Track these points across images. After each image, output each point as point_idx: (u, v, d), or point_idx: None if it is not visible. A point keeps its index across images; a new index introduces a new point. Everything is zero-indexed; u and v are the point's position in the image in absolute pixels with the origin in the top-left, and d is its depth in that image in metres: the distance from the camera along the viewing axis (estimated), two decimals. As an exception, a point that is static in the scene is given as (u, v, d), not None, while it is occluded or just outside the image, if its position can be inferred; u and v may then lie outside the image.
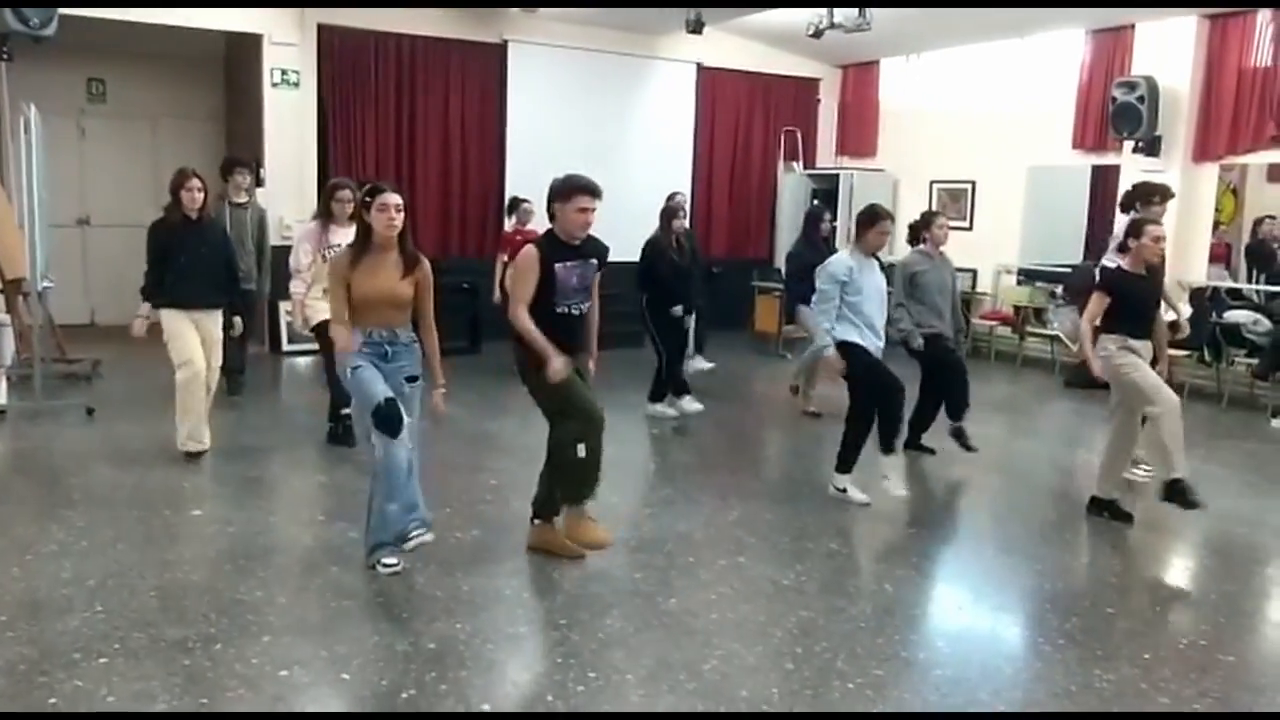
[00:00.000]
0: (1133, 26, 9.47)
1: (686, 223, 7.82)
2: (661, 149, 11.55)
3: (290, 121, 9.66)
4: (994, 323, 10.65)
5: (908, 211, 11.77)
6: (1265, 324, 8.15)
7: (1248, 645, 4.06)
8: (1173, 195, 6.49)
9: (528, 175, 10.70)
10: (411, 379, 4.37)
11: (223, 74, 11.25)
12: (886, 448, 5.56)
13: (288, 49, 9.58)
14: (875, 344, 5.54)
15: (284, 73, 9.60)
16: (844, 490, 5.57)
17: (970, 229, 11.11)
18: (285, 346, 9.70)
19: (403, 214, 4.31)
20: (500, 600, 4.13)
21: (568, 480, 4.39)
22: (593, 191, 4.38)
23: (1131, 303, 5.16)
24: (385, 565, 4.24)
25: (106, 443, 6.28)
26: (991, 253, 10.81)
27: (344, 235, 6.07)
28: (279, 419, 7.25)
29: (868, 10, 8.67)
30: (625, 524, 4.90)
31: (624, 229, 10.24)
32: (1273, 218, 9.42)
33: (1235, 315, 8.43)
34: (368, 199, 4.31)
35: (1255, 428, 7.63)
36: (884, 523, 5.45)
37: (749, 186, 12.30)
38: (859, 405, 5.59)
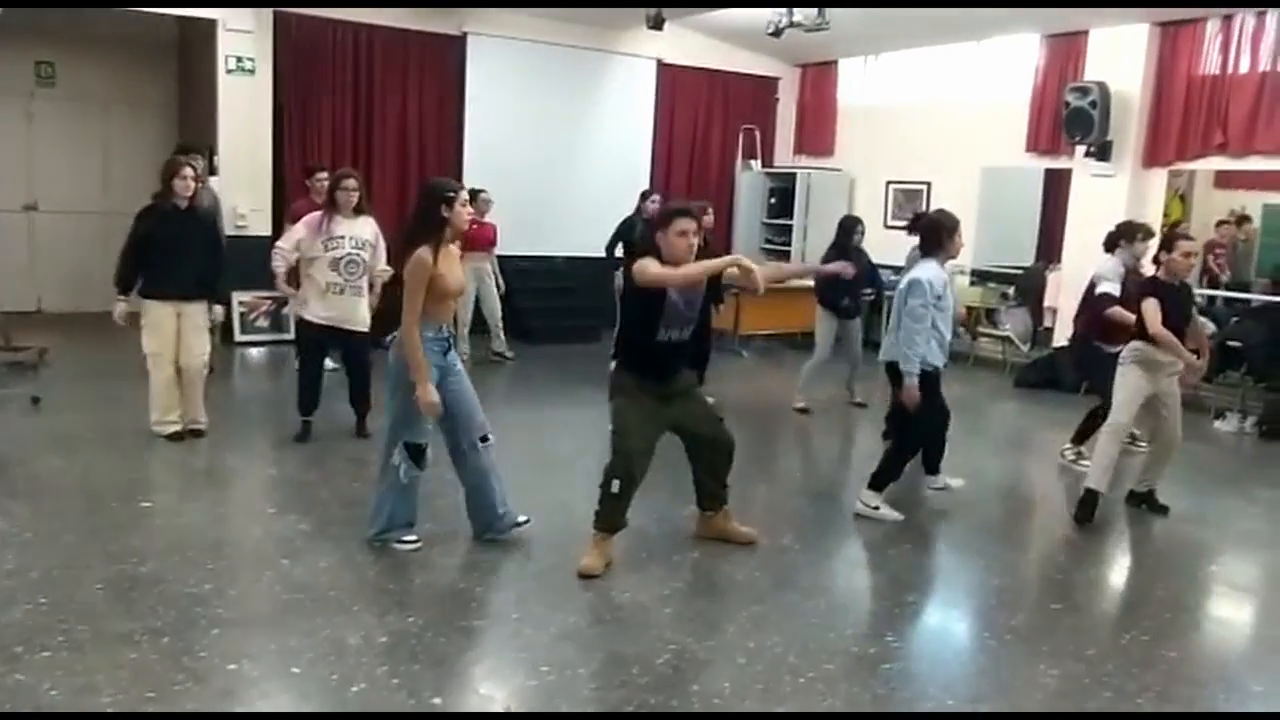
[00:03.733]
0: (1086, 32, 9.61)
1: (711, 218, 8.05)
2: (620, 144, 11.53)
3: (245, 109, 9.51)
4: (947, 322, 10.76)
5: (863, 211, 11.91)
6: (1210, 328, 8.32)
7: (1189, 641, 4.15)
8: (1154, 234, 6.79)
9: (485, 167, 10.68)
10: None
11: (176, 59, 11.06)
12: (932, 469, 5.66)
13: (243, 35, 9.42)
14: (945, 361, 5.34)
15: (239, 59, 9.45)
16: (876, 508, 5.29)
17: (925, 229, 11.23)
18: (238, 337, 9.58)
19: None
20: (453, 594, 4.11)
21: (600, 509, 4.39)
22: (693, 214, 4.32)
23: (1166, 312, 5.19)
24: (404, 542, 4.49)
25: (53, 432, 6.16)
26: (946, 253, 10.92)
27: (347, 227, 6.08)
28: (231, 410, 7.15)
29: (826, 10, 8.72)
30: (580, 518, 4.88)
31: (582, 223, 10.34)
32: (1225, 221, 9.66)
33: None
34: (451, 195, 4.34)
35: (1199, 428, 7.77)
36: (836, 520, 5.50)
37: (707, 183, 12.31)
38: (918, 431, 5.36)
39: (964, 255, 10.52)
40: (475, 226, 9.14)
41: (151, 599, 3.85)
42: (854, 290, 7.80)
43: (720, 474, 4.73)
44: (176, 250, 5.92)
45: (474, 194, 9.30)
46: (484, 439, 4.61)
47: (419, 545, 4.50)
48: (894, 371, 5.26)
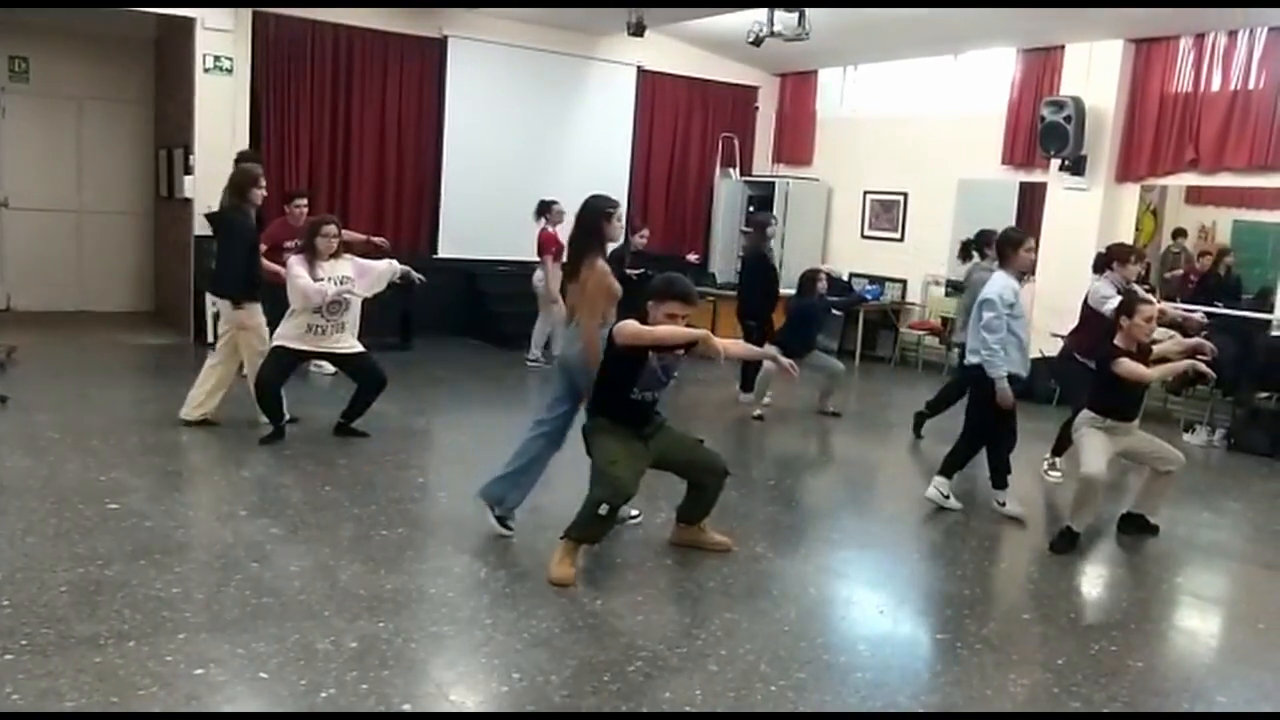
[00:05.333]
0: (1062, 47, 9.71)
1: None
2: (600, 150, 11.54)
3: (221, 109, 9.45)
4: (922, 332, 10.84)
5: (840, 221, 12.02)
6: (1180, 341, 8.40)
7: (1155, 651, 4.18)
8: (1144, 256, 6.92)
9: (464, 171, 10.67)
10: None
11: (153, 57, 10.97)
12: (947, 473, 5.83)
13: (221, 35, 9.37)
14: (1027, 365, 5.68)
15: (216, 59, 9.39)
16: (946, 496, 5.78)
17: (901, 240, 11.31)
18: (210, 338, 9.49)
19: None
20: (424, 599, 4.09)
21: (581, 523, 4.36)
22: (688, 299, 4.41)
23: (1120, 382, 5.17)
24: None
25: (20, 432, 6.08)
26: (921, 263, 11.01)
27: (328, 269, 6.13)
28: (202, 412, 7.09)
29: (807, 20, 8.77)
30: (554, 523, 4.87)
31: (559, 229, 10.32)
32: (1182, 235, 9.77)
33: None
34: (609, 210, 4.78)
35: (1169, 441, 7.83)
36: (809, 527, 5.52)
37: (685, 191, 12.35)
38: (979, 426, 5.74)
39: (939, 265, 10.75)
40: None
41: (117, 602, 3.81)
42: (806, 338, 8.02)
43: (710, 497, 4.77)
44: (258, 252, 6.42)
45: (548, 205, 9.38)
46: None
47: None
48: (973, 373, 5.68)
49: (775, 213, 11.86)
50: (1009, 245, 5.68)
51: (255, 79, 9.65)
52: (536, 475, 4.86)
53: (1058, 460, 6.63)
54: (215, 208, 7.03)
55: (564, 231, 8.97)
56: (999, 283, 5.62)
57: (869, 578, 4.86)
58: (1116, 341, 5.29)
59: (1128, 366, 5.13)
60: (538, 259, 9.37)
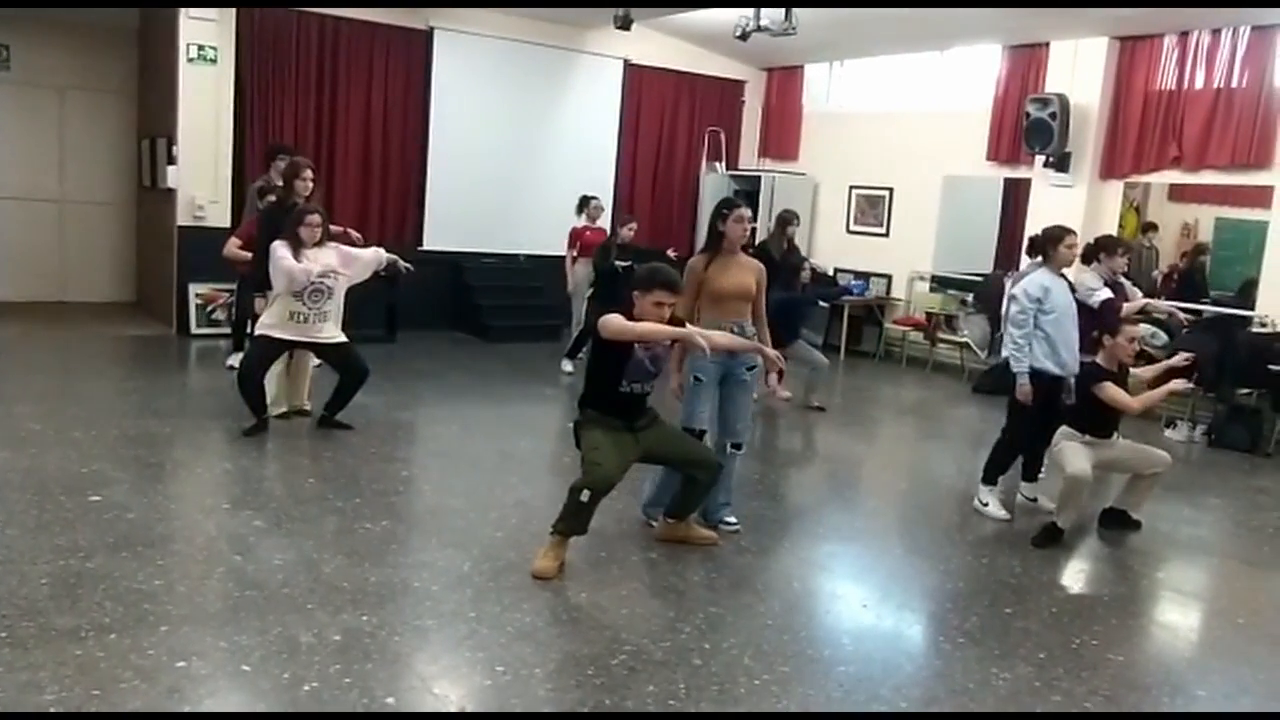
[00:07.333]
0: (1047, 44, 9.75)
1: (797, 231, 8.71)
2: (586, 143, 11.52)
3: (205, 98, 9.37)
4: (907, 328, 10.88)
5: (826, 215, 12.04)
6: (1163, 337, 8.45)
7: (1135, 645, 4.22)
8: (1131, 249, 6.95)
9: (450, 164, 10.64)
10: (750, 367, 4.98)
11: (136, 46, 10.87)
12: (1028, 477, 5.93)
13: (205, 24, 9.28)
14: (1071, 365, 5.58)
15: (201, 48, 9.31)
16: (986, 504, 5.72)
17: (887, 235, 11.34)
18: (194, 329, 9.46)
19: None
20: (408, 592, 4.08)
21: (566, 514, 4.35)
22: (673, 287, 4.45)
23: (1100, 403, 5.19)
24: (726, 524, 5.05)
25: (1, 424, 6.04)
26: (906, 259, 11.05)
27: (312, 257, 6.04)
28: (184, 404, 7.06)
29: (794, 15, 8.77)
30: (539, 517, 4.87)
31: (546, 222, 10.37)
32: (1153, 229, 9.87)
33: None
34: (725, 211, 4.94)
35: (1150, 437, 7.87)
36: (794, 522, 5.54)
37: (671, 184, 12.34)
38: (1019, 428, 5.70)
39: (924, 261, 10.79)
40: (589, 232, 9.30)
41: (99, 594, 3.78)
42: (789, 329, 7.97)
43: (701, 492, 4.77)
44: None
45: (586, 200, 9.41)
46: (736, 446, 5.06)
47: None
48: (1008, 367, 5.73)
49: (760, 206, 11.90)
50: (1049, 242, 5.71)
51: (240, 69, 9.58)
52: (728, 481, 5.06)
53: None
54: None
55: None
56: (1033, 278, 5.68)
57: (853, 572, 4.88)
58: (1099, 360, 5.30)
59: (1111, 393, 5.15)
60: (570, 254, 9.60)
